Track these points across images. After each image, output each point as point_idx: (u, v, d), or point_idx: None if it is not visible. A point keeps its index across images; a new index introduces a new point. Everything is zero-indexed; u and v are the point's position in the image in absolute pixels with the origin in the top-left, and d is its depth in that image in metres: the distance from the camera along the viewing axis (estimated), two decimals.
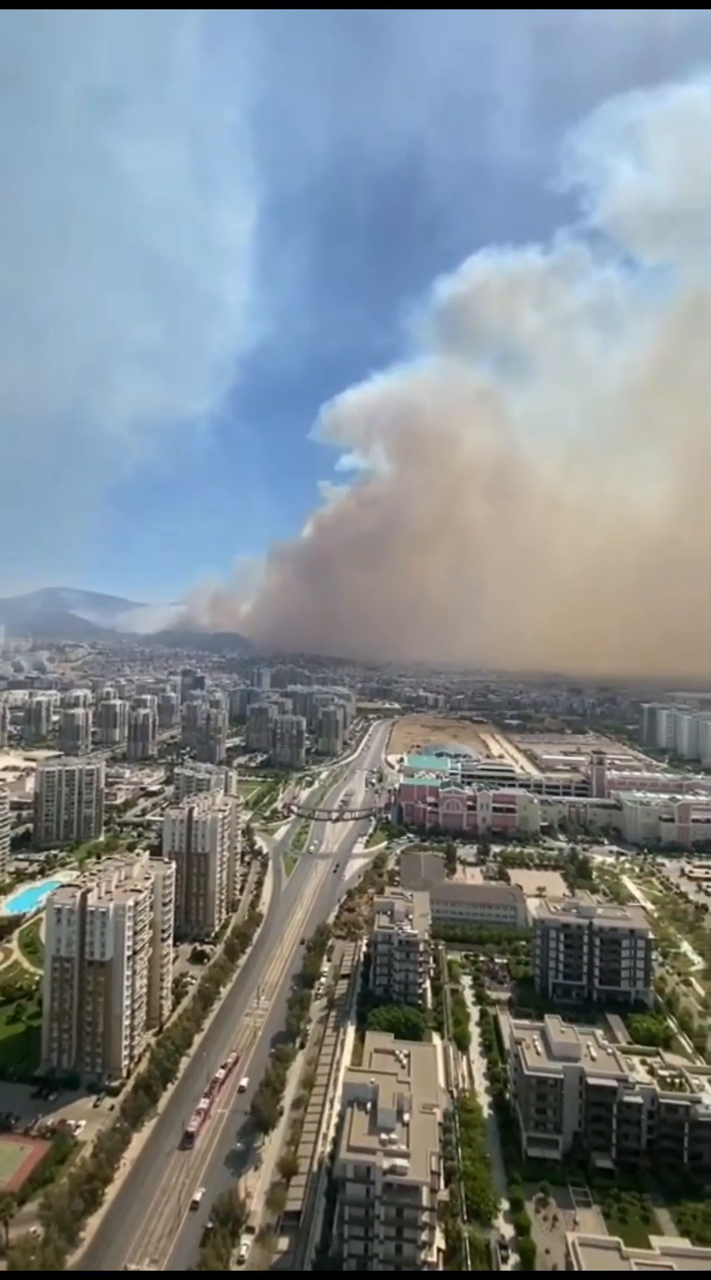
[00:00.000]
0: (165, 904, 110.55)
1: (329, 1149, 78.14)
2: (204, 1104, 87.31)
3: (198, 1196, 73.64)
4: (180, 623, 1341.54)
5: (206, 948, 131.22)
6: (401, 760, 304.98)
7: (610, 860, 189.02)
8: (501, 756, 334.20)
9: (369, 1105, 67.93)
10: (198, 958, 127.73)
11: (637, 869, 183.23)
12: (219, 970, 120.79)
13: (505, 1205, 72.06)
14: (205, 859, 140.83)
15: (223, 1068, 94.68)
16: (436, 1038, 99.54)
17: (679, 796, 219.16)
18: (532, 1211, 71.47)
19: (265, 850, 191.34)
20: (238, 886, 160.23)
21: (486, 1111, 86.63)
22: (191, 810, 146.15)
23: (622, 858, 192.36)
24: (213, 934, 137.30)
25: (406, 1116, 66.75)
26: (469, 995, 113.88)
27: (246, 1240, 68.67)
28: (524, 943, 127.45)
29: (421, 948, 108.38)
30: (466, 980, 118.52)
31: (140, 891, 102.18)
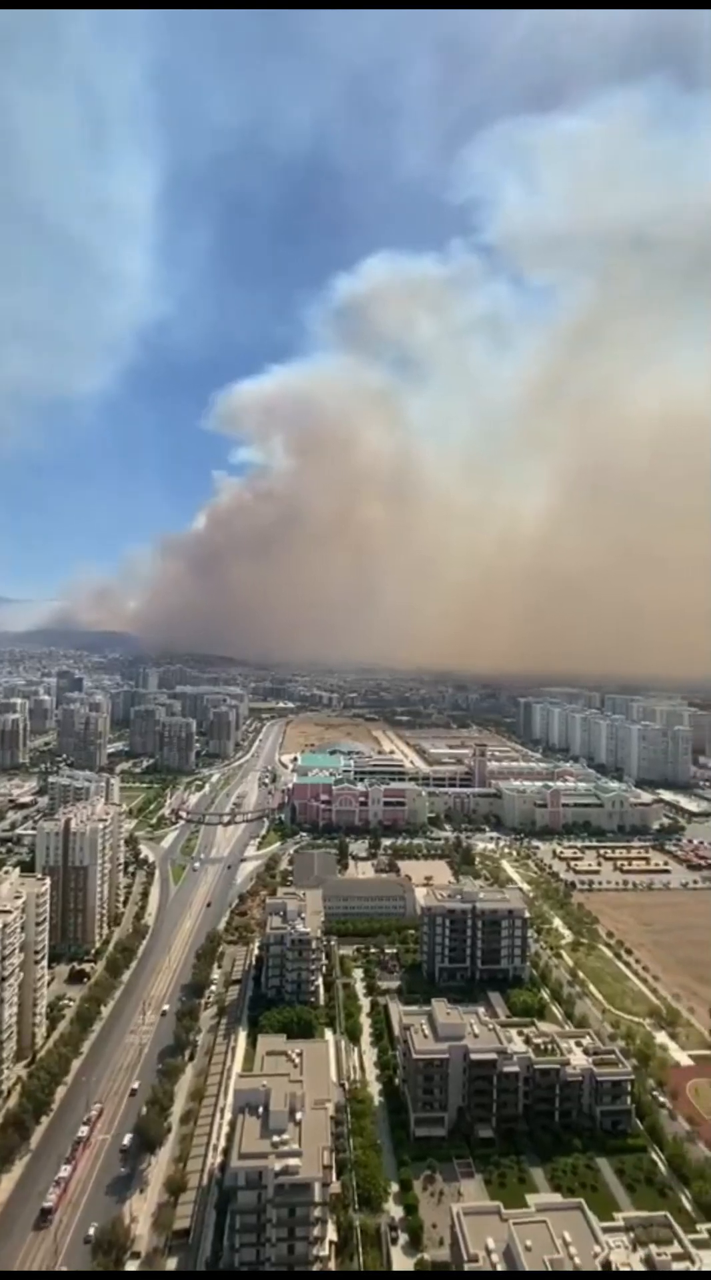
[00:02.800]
0: (39, 923, 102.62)
1: (220, 1159, 76.46)
2: (65, 1171, 75.60)
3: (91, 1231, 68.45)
4: (58, 620, 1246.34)
5: (86, 966, 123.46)
6: (295, 760, 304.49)
7: (491, 846, 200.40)
8: (392, 752, 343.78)
9: (260, 1109, 67.29)
10: (77, 977, 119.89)
11: (515, 853, 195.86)
12: (100, 989, 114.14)
13: (395, 1188, 74.16)
14: (84, 873, 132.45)
15: (85, 1123, 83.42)
16: (329, 1033, 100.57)
17: (550, 784, 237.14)
18: (420, 1189, 74.15)
19: (151, 859, 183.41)
20: (121, 899, 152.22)
21: (377, 1099, 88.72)
22: (68, 821, 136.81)
23: (502, 843, 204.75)
24: (93, 951, 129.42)
25: (299, 1115, 66.83)
26: (360, 988, 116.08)
27: (131, 1266, 65.48)
28: (413, 931, 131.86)
29: (314, 945, 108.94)
30: (358, 973, 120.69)
31: (9, 912, 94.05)
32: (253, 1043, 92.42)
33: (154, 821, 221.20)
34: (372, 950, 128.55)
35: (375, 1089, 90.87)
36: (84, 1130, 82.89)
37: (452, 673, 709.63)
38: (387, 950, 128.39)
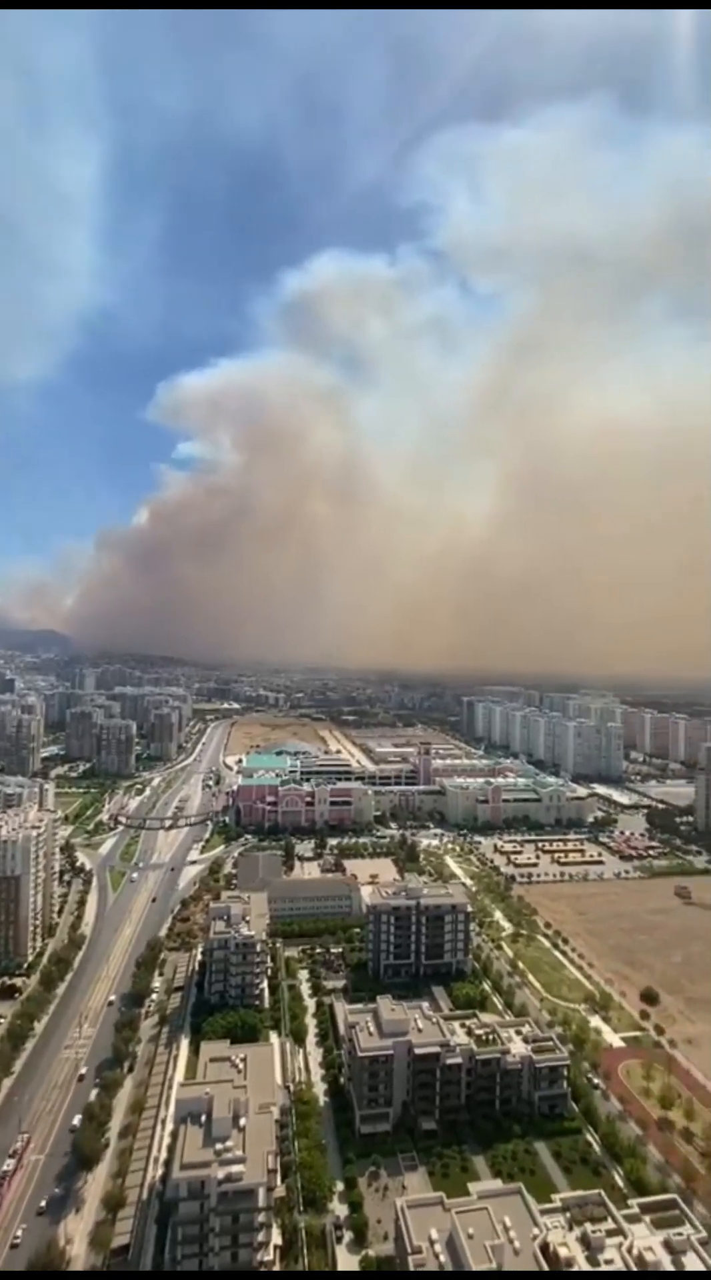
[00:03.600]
0: None
1: (161, 1172, 74.61)
2: None
3: None
4: None
5: (18, 980, 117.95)
6: (240, 761, 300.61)
7: (435, 843, 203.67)
8: (339, 752, 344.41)
9: (203, 1117, 66.04)
10: (7, 992, 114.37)
11: (458, 848, 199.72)
12: (33, 1004, 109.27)
13: (340, 1186, 74.30)
14: (15, 883, 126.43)
15: (11, 1155, 78.84)
16: (274, 1035, 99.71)
17: (492, 780, 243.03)
18: (365, 1186, 74.55)
19: (88, 867, 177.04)
20: (56, 909, 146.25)
21: (322, 1099, 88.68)
22: None
23: (446, 839, 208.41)
24: (26, 965, 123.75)
25: (243, 1121, 65.96)
26: (306, 988, 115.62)
27: None
28: (359, 930, 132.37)
29: (258, 948, 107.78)
30: (304, 974, 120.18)
31: None
32: (195, 1050, 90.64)
33: (91, 827, 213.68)
34: (318, 950, 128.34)
35: (321, 1089, 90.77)
36: (10, 1163, 78.29)
37: (398, 672, 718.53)
38: (333, 950, 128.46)
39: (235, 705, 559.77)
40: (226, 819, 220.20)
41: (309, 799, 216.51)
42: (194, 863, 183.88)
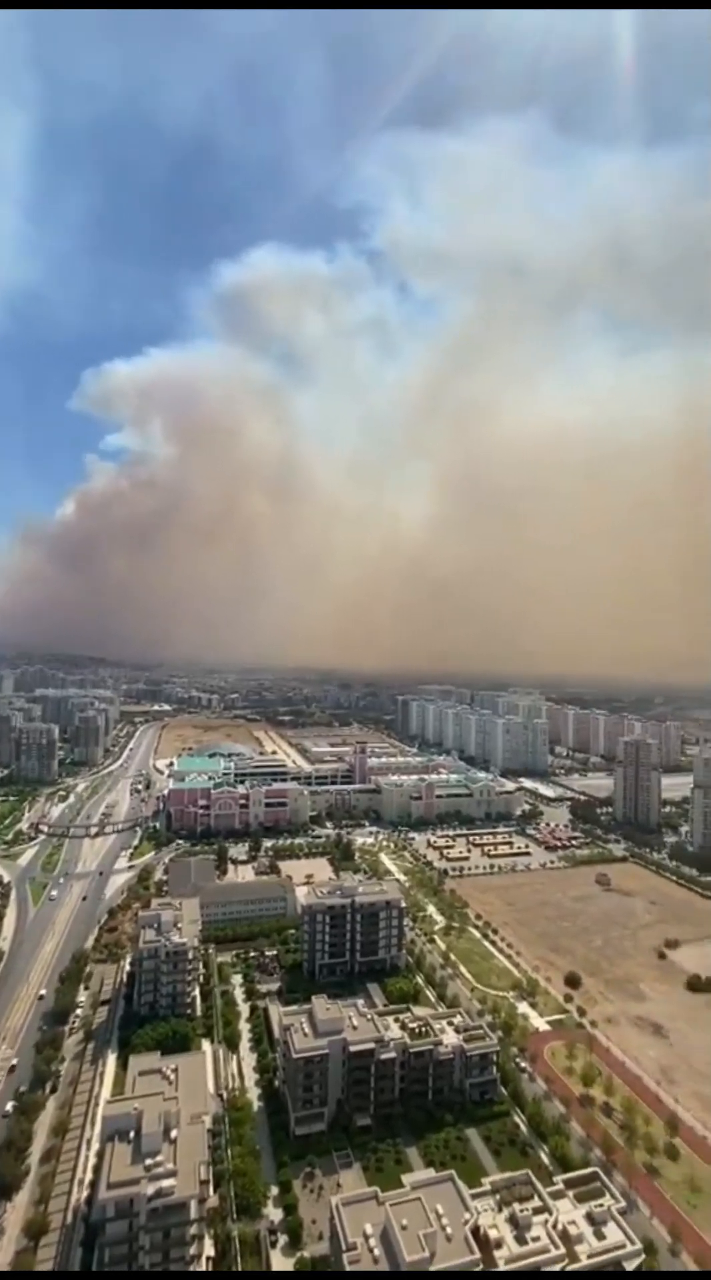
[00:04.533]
0: None
1: (86, 1194, 71.58)
2: None
3: None
4: None
5: None
6: (171, 764, 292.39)
7: (370, 840, 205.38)
8: (274, 752, 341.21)
9: (131, 1133, 63.84)
10: None
11: (393, 845, 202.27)
12: None
13: (275, 1191, 73.64)
14: None
15: None
16: (207, 1043, 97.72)
17: (425, 777, 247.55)
18: (300, 1188, 74.22)
19: (6, 879, 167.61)
20: None
21: (256, 1104, 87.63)
22: None
23: (381, 836, 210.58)
24: None
25: (174, 1134, 64.25)
26: (240, 993, 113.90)
27: None
28: (294, 931, 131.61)
29: (190, 956, 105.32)
30: (237, 979, 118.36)
31: None
32: (124, 1065, 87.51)
33: (10, 837, 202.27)
34: (252, 954, 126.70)
35: (255, 1094, 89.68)
36: None
37: (336, 672, 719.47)
38: (267, 953, 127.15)
39: (166, 707, 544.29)
40: (157, 824, 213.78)
41: (243, 801, 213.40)
42: (122, 871, 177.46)
